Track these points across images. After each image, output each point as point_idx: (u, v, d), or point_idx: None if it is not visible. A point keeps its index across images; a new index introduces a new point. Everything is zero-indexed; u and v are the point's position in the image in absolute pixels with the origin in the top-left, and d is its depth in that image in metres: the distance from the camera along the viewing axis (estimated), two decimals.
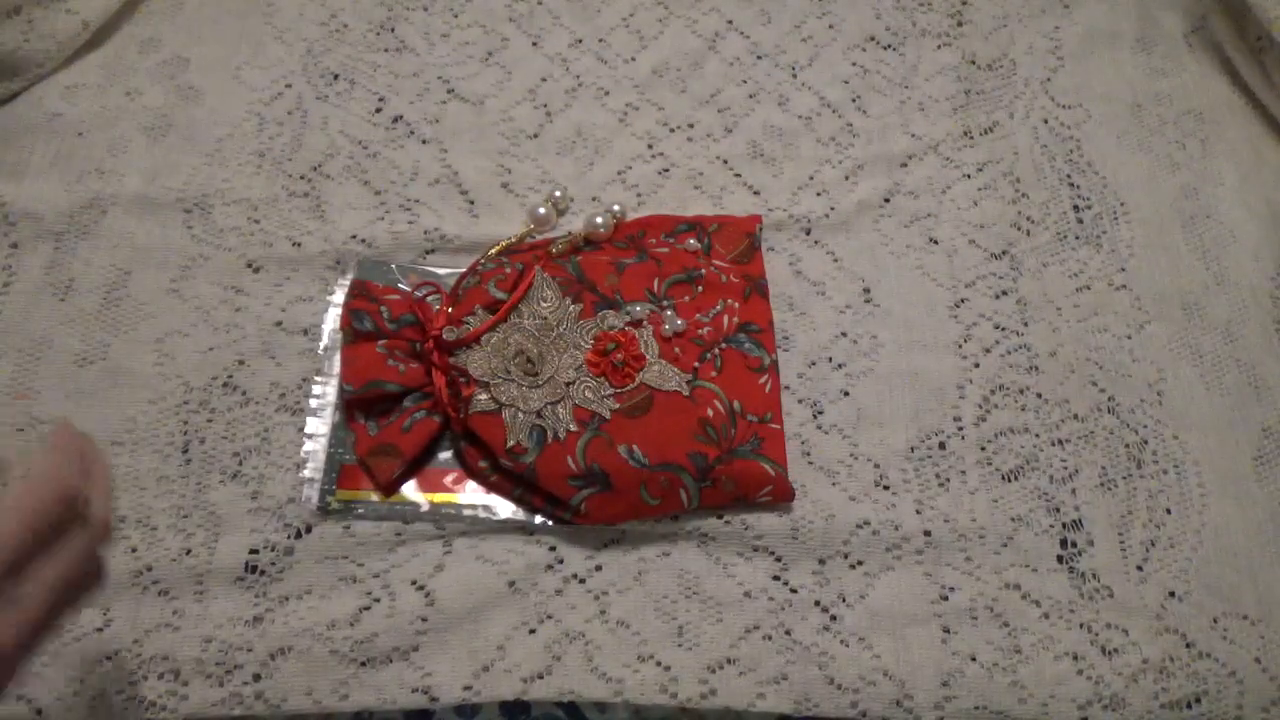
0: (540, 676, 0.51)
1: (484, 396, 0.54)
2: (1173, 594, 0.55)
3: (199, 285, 0.61)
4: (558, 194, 0.64)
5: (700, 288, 0.59)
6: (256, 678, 0.51)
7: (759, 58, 0.71)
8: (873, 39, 0.72)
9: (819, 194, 0.66)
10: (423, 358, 0.56)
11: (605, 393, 0.55)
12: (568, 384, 0.55)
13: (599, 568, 0.54)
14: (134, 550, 0.54)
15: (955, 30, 0.73)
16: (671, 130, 0.68)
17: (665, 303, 0.58)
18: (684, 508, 0.54)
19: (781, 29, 0.72)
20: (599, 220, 0.61)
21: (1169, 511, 0.57)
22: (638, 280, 0.58)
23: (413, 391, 0.55)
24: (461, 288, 0.58)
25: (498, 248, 0.61)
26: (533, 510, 0.55)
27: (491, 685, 0.51)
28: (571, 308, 0.57)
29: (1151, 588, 0.55)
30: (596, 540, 0.55)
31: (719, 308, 0.58)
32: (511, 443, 0.53)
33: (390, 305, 0.56)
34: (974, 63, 0.71)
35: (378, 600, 0.53)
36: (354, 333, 0.56)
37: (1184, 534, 0.57)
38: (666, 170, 0.66)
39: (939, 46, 0.72)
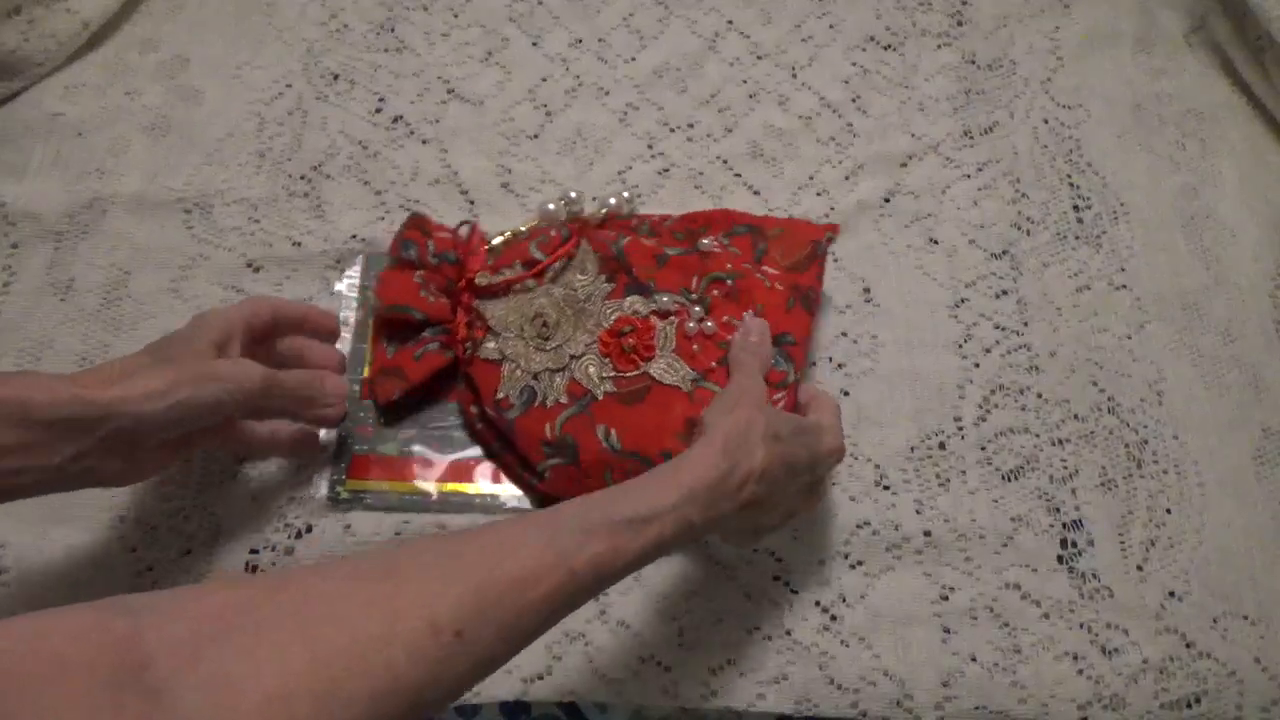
0: (541, 677, 0.51)
1: (491, 344, 0.55)
2: (1173, 594, 0.55)
3: (199, 285, 0.61)
4: (573, 194, 0.63)
5: (736, 290, 0.56)
6: None
7: (759, 58, 0.71)
8: (873, 39, 0.72)
9: (819, 194, 0.66)
10: (452, 295, 0.57)
11: (606, 373, 0.55)
12: (574, 356, 0.55)
13: None
14: (134, 550, 0.54)
15: (955, 30, 0.73)
16: (671, 130, 0.68)
17: (695, 297, 0.57)
18: None
19: (781, 29, 0.72)
20: (611, 201, 0.61)
21: (1169, 511, 0.57)
22: (677, 274, 0.57)
23: (435, 325, 0.57)
24: (505, 241, 0.60)
25: (501, 237, 0.61)
26: (503, 467, 0.56)
27: (492, 686, 0.51)
28: (604, 286, 0.57)
29: (1151, 588, 0.55)
30: None
31: (754, 313, 0.56)
32: (500, 395, 0.54)
33: (437, 241, 0.58)
34: (974, 63, 0.71)
35: None
36: (398, 259, 0.58)
37: (1184, 534, 0.57)
38: (666, 170, 0.66)
39: (939, 46, 0.72)
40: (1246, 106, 0.71)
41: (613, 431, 0.53)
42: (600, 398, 0.54)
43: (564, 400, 0.54)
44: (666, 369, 0.54)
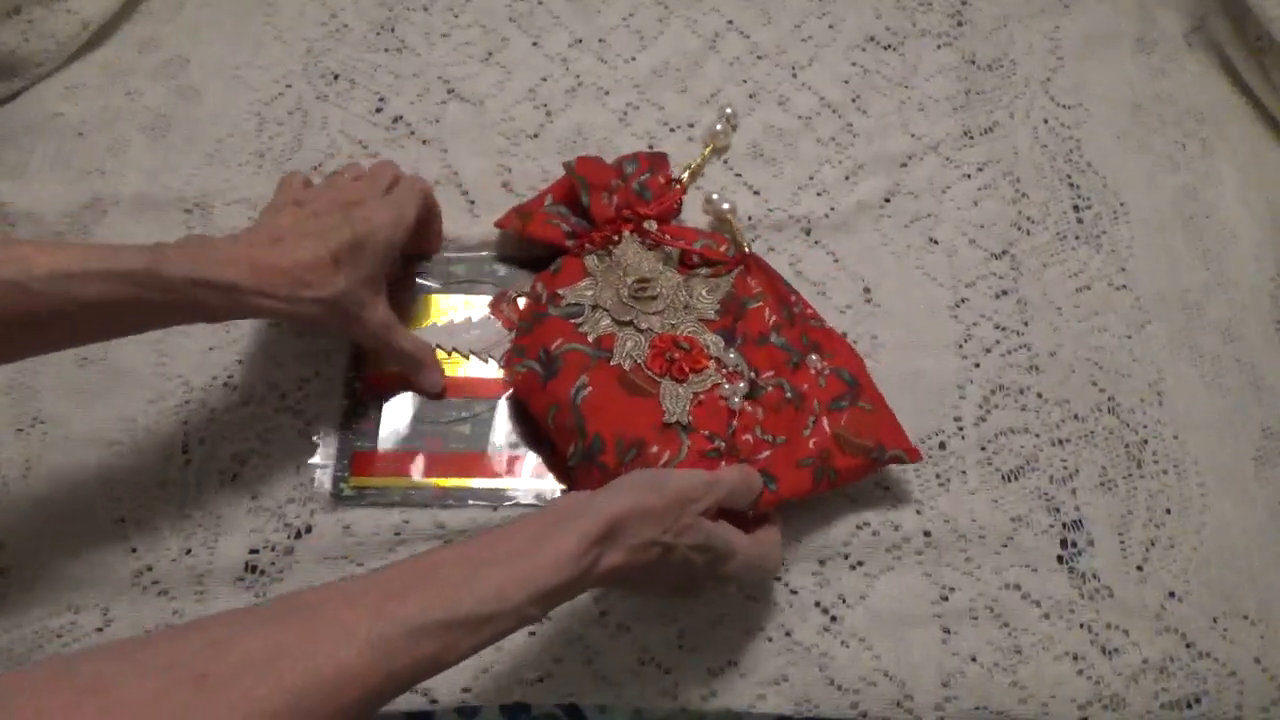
0: (541, 679, 0.51)
1: (594, 260, 0.60)
2: (1173, 594, 0.55)
3: None
4: (729, 110, 0.67)
5: (781, 406, 0.55)
6: None
7: (759, 58, 0.71)
8: (873, 39, 0.72)
9: (819, 194, 0.66)
10: (619, 213, 0.61)
11: (637, 356, 0.55)
12: (634, 324, 0.57)
13: None
14: (134, 550, 0.54)
15: (955, 30, 0.73)
16: (671, 130, 0.68)
17: (754, 378, 0.56)
18: (567, 454, 0.54)
19: (781, 29, 0.72)
20: (719, 127, 0.67)
21: (1169, 511, 0.57)
22: (763, 357, 0.57)
23: (585, 220, 0.61)
24: (690, 172, 0.65)
25: (687, 171, 0.65)
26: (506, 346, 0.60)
27: (491, 688, 0.51)
28: (710, 313, 0.58)
29: (1151, 588, 0.55)
30: None
31: (774, 440, 0.54)
32: (561, 292, 0.58)
33: (650, 176, 0.63)
34: (974, 63, 0.71)
35: None
36: (619, 159, 0.63)
37: (1184, 534, 0.57)
38: None
39: (939, 46, 0.72)
40: (1246, 106, 0.71)
41: (584, 392, 0.54)
42: (611, 364, 0.55)
43: (590, 340, 0.56)
44: (675, 397, 0.54)
